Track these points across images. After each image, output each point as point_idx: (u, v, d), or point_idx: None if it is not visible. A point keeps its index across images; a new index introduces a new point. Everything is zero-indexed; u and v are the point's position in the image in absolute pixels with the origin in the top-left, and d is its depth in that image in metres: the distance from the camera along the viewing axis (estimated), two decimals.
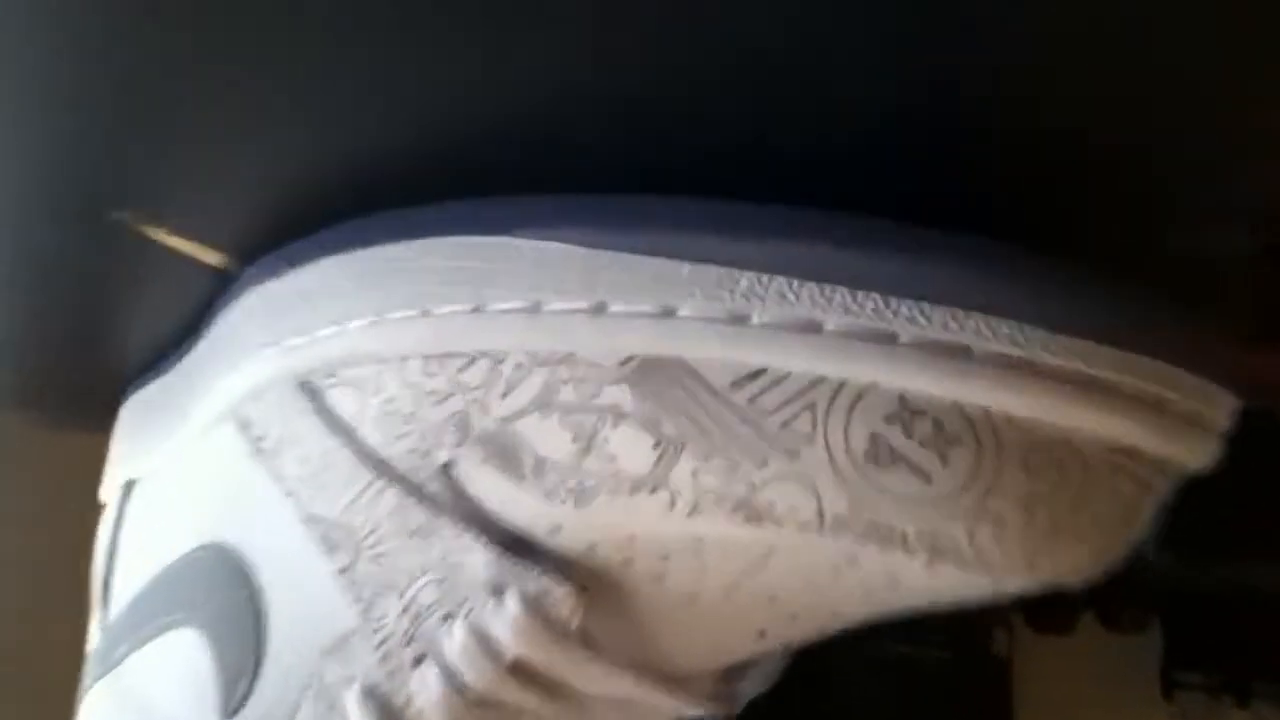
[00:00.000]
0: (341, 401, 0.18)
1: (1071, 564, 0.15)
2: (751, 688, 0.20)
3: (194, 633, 0.19)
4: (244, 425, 0.19)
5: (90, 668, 0.22)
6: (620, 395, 0.15)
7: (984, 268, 0.14)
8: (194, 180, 0.18)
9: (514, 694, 0.16)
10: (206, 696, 0.18)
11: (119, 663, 0.20)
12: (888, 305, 0.14)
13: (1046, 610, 0.37)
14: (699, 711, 0.18)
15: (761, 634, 0.17)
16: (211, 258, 0.20)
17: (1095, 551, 0.15)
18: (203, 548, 0.20)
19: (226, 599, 0.19)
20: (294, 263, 0.18)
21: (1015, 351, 0.14)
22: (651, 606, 0.17)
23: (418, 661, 0.16)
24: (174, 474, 0.22)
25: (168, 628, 0.19)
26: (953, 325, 0.14)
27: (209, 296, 0.21)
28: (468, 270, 0.16)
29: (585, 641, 0.16)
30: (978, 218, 0.16)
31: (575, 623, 0.16)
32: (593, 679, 0.17)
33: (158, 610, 0.20)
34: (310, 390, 0.18)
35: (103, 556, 0.23)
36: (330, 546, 0.18)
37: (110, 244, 0.19)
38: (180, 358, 0.23)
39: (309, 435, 0.18)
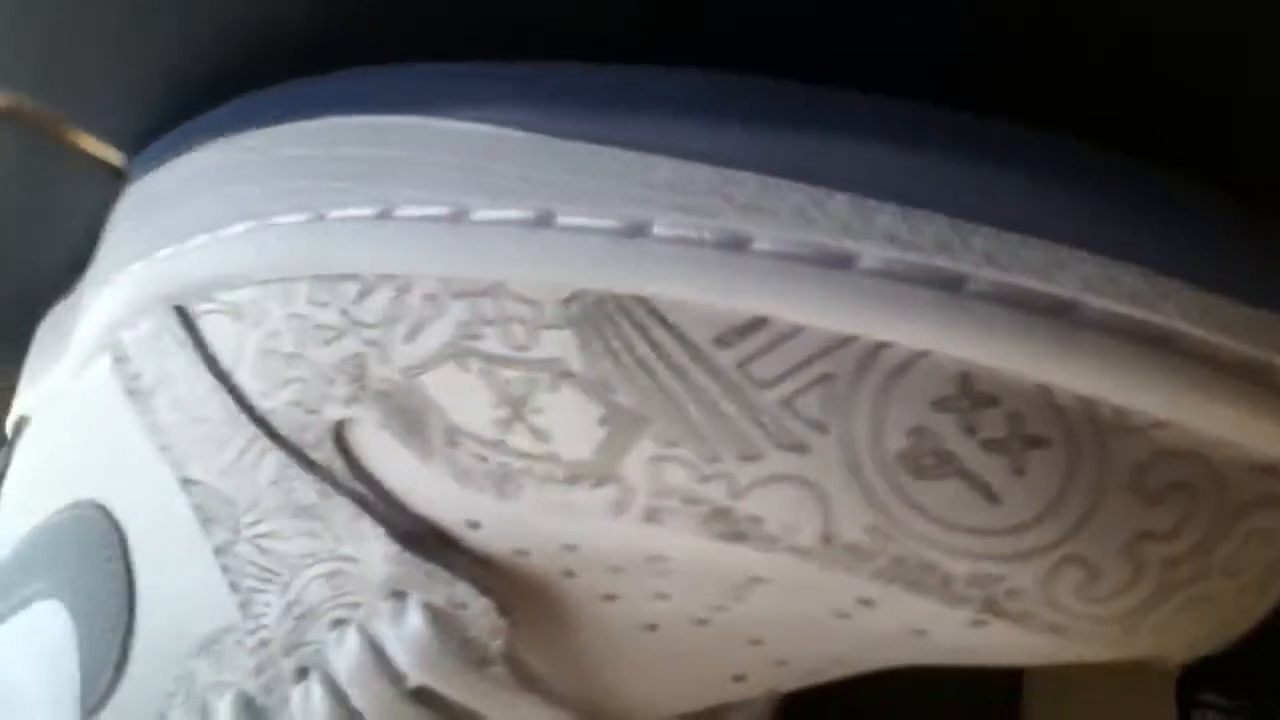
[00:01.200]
0: (218, 334, 0.14)
1: (1187, 636, 0.10)
2: None
3: (58, 607, 0.16)
4: (119, 359, 0.16)
5: None
6: (563, 346, 0.11)
7: (1101, 184, 0.09)
8: (86, 64, 0.15)
9: None
10: (66, 686, 0.15)
11: None
12: (955, 234, 0.09)
13: None
14: None
15: (739, 679, 0.13)
16: (113, 156, 0.17)
17: (1224, 620, 0.10)
18: (76, 505, 0.17)
19: (96, 570, 0.16)
20: (177, 151, 0.14)
21: (1143, 314, 0.09)
22: (598, 632, 0.13)
23: (300, 675, 0.13)
24: (55, 412, 0.18)
25: (32, 598, 0.17)
26: (1053, 270, 0.09)
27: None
28: (374, 161, 0.12)
29: (510, 670, 0.13)
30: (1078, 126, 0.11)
31: (496, 647, 0.13)
32: (518, 718, 0.13)
33: (25, 577, 0.17)
34: (185, 317, 0.14)
35: None
36: (206, 518, 0.14)
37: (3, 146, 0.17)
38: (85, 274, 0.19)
39: (183, 376, 0.14)
